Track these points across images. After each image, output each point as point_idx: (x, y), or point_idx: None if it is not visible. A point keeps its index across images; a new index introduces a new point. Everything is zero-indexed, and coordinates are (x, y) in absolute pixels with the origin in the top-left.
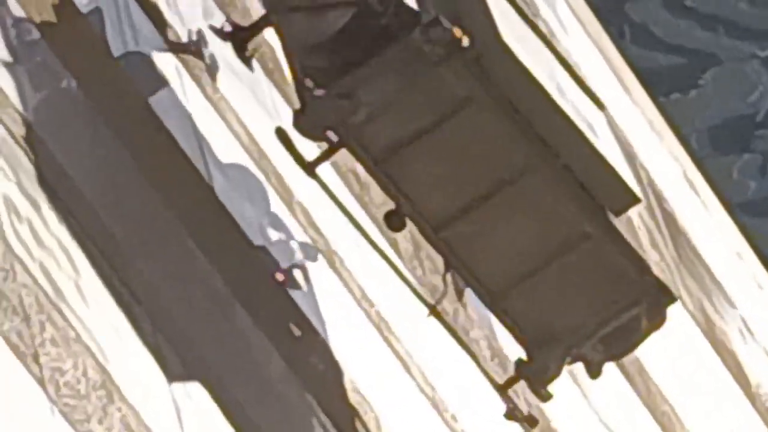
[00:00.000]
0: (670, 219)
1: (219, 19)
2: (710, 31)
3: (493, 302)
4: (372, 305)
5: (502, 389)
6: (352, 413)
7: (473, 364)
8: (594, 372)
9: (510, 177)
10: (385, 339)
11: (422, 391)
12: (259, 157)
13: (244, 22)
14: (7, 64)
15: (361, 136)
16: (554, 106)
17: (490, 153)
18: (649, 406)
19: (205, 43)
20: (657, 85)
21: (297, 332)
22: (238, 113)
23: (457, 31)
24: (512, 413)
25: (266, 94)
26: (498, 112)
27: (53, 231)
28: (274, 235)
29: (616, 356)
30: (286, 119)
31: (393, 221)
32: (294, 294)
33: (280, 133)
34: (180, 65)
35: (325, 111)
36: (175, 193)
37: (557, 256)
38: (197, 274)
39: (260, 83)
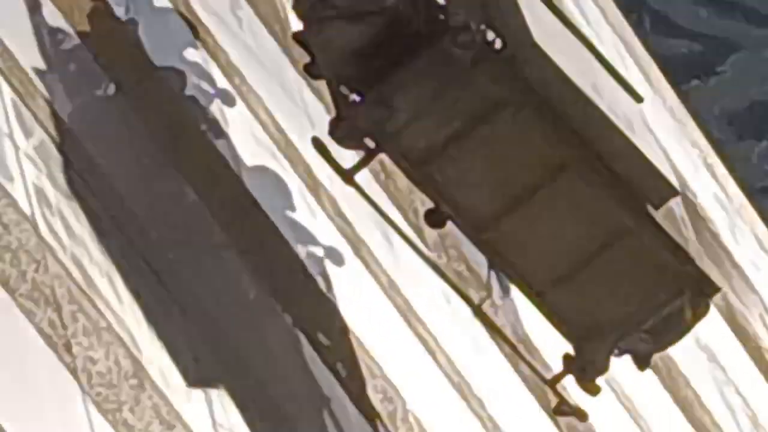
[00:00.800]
0: (690, 205)
1: (247, 12)
2: (729, 19)
3: (539, 299)
4: (398, 292)
5: (550, 384)
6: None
7: (498, 351)
8: (642, 364)
9: (549, 175)
10: (411, 326)
11: (448, 377)
12: (286, 145)
13: (271, 15)
14: (41, 72)
15: (398, 141)
16: (589, 103)
17: (528, 153)
18: (671, 390)
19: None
20: (677, 73)
21: (326, 341)
22: (266, 105)
23: (489, 34)
24: (561, 408)
25: (294, 87)
26: (534, 112)
27: (84, 222)
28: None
29: (662, 347)
30: (313, 111)
31: (433, 219)
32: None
33: (316, 142)
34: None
35: (361, 119)
36: (208, 187)
37: (600, 251)
38: (227, 268)
39: (287, 71)
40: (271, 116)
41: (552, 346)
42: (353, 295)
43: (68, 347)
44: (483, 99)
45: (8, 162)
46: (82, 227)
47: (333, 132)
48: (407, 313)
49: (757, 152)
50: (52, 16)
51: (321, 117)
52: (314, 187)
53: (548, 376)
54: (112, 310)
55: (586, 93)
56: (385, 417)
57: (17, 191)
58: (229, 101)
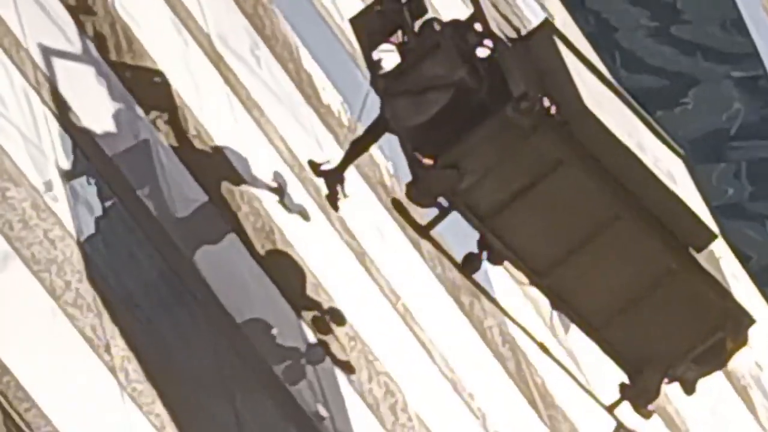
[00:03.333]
0: None
1: (264, 52)
2: (691, 56)
3: (596, 335)
4: (398, 298)
5: (609, 410)
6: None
7: (487, 349)
8: (689, 389)
9: (602, 225)
10: (410, 328)
11: (443, 374)
12: (299, 170)
13: (286, 55)
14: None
15: (468, 200)
16: (635, 159)
17: (583, 206)
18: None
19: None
20: (646, 104)
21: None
22: (282, 134)
23: (546, 101)
24: (619, 431)
25: (306, 118)
26: (587, 169)
27: (122, 236)
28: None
29: (706, 373)
30: (323, 139)
31: (470, 263)
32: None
33: (395, 203)
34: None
35: (435, 181)
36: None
37: (649, 291)
38: None
39: (300, 105)
40: (285, 144)
41: (607, 375)
42: (360, 303)
43: (107, 348)
44: (541, 159)
45: (55, 187)
46: (118, 242)
47: (410, 193)
48: (407, 318)
49: (715, 174)
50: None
51: (330, 144)
52: (324, 206)
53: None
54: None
55: (632, 150)
56: (387, 408)
57: (62, 210)
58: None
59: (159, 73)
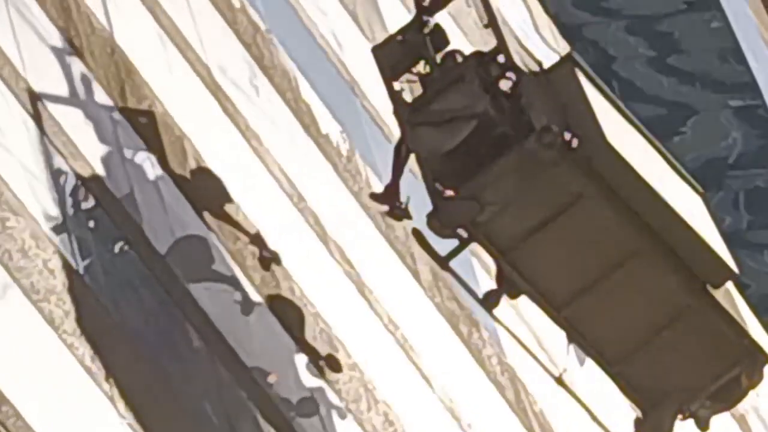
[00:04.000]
0: None
1: (263, 81)
2: (688, 85)
3: (611, 369)
4: (397, 327)
5: None
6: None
7: (486, 378)
8: (703, 426)
9: (621, 260)
10: (408, 357)
11: (442, 403)
12: (298, 200)
13: (284, 85)
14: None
15: (488, 231)
16: (655, 195)
17: (602, 240)
18: None
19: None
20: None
21: None
22: (280, 164)
23: (567, 135)
24: None
25: (303, 147)
26: (607, 203)
27: (122, 270)
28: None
29: (720, 410)
30: (321, 168)
31: (489, 299)
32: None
33: (416, 234)
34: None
35: (456, 212)
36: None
37: (666, 326)
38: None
39: (298, 135)
40: (284, 173)
41: (618, 408)
42: (359, 332)
43: (107, 377)
44: (562, 192)
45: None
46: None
47: (431, 223)
48: (406, 347)
49: (713, 203)
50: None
51: (329, 173)
52: (323, 236)
53: None
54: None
55: (652, 186)
56: None
57: (61, 240)
58: None
59: (146, 113)
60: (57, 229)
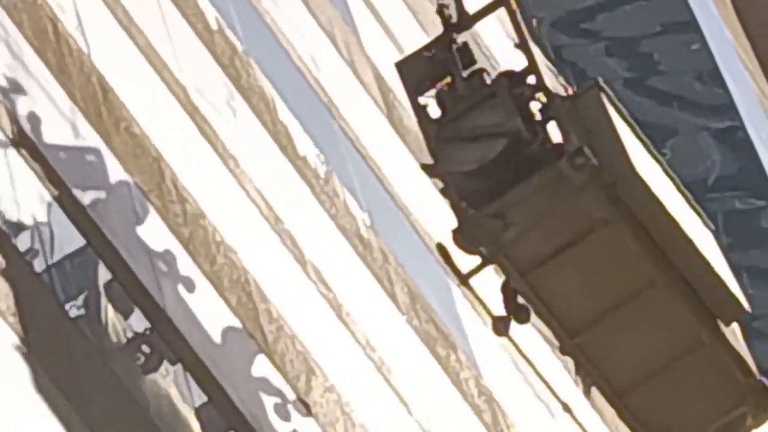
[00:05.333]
0: None
1: (240, 103)
2: (668, 107)
3: (617, 400)
4: (374, 350)
5: None
6: None
7: (463, 401)
8: None
9: (637, 289)
10: (386, 379)
11: (420, 425)
12: (275, 222)
13: (262, 106)
14: None
15: (510, 251)
16: (677, 227)
17: (621, 268)
18: None
19: None
20: None
21: None
22: (258, 186)
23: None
24: None
25: (282, 169)
26: (630, 231)
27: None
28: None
29: None
30: (300, 191)
31: (498, 326)
32: None
33: (441, 249)
34: None
35: (480, 229)
36: None
37: (676, 360)
38: None
39: (276, 156)
40: (261, 196)
41: None
42: (336, 354)
43: None
44: (587, 217)
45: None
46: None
47: (455, 239)
48: (383, 370)
49: None
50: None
51: (305, 195)
52: (301, 258)
53: None
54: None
55: (675, 218)
56: None
57: None
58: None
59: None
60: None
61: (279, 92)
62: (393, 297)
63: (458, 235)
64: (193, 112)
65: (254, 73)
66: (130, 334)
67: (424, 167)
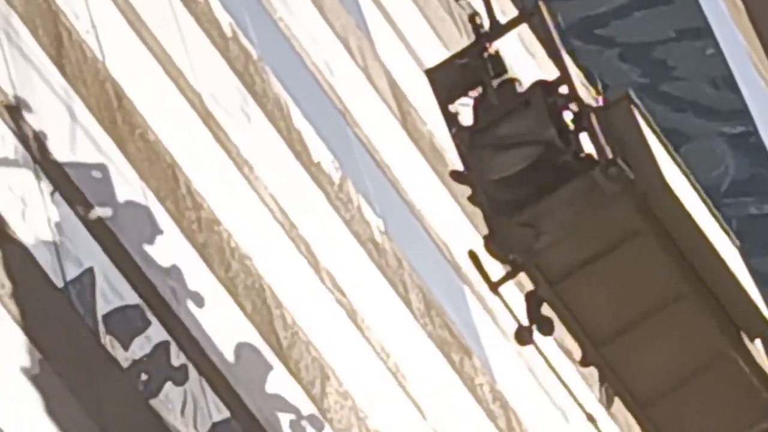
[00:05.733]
0: None
1: (254, 109)
2: (681, 113)
3: (639, 411)
4: (389, 356)
5: None
6: None
7: (478, 406)
8: None
9: (665, 301)
10: (401, 385)
11: (434, 430)
12: (290, 228)
13: (276, 112)
14: None
15: (540, 260)
16: (706, 240)
17: (651, 280)
18: None
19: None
20: None
21: None
22: (272, 192)
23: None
24: None
25: (295, 175)
26: (659, 243)
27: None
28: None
29: None
30: (312, 196)
31: (521, 336)
32: None
33: (472, 256)
34: None
35: (511, 238)
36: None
37: (699, 373)
38: None
39: (290, 163)
40: (276, 202)
41: None
42: (351, 360)
43: None
44: (618, 228)
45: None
46: None
47: (487, 246)
48: (398, 375)
49: None
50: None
51: (320, 201)
52: (315, 264)
53: None
54: None
55: (704, 231)
56: None
57: None
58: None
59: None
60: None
61: (293, 98)
62: (407, 303)
63: (490, 242)
64: (207, 118)
65: (268, 80)
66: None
67: (453, 174)
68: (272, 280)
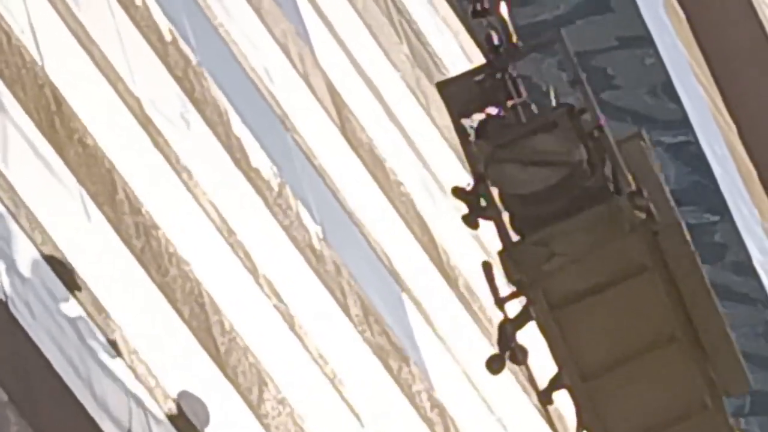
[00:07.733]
0: None
1: (194, 115)
2: (621, 122)
3: None
4: (326, 362)
5: None
6: None
7: (416, 414)
8: None
9: (658, 341)
10: (338, 391)
11: None
12: (228, 234)
13: (215, 119)
14: None
15: (546, 283)
16: (706, 287)
17: (649, 317)
18: None
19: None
20: None
21: None
22: (211, 198)
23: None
24: None
25: (234, 180)
26: (662, 281)
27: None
28: None
29: None
30: (249, 201)
31: (493, 366)
32: None
33: (486, 267)
34: None
35: (525, 255)
36: None
37: (676, 421)
38: None
39: (229, 169)
40: (215, 207)
41: None
42: (288, 367)
43: None
44: (629, 260)
45: None
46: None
47: (503, 262)
48: (335, 382)
49: None
50: None
51: (258, 207)
52: (254, 270)
53: None
54: None
55: (706, 279)
56: None
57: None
58: None
59: None
60: None
61: (233, 104)
62: (346, 309)
63: (506, 259)
64: (146, 123)
65: (208, 85)
66: None
67: (456, 190)
68: (210, 285)
